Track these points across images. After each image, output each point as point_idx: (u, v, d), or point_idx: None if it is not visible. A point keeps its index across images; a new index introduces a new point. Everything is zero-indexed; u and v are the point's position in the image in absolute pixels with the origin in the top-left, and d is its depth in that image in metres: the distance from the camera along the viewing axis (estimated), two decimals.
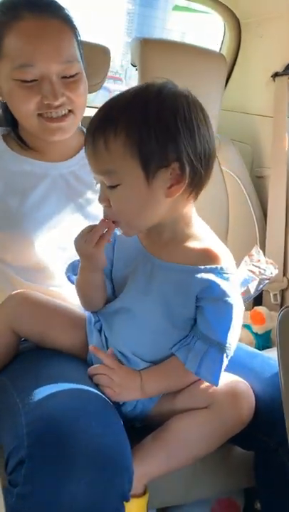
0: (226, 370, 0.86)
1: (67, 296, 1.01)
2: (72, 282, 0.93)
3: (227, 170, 1.54)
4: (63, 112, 0.99)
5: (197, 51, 1.51)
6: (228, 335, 0.79)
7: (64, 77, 0.97)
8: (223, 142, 1.57)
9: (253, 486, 1.00)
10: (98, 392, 0.80)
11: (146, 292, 0.82)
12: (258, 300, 1.47)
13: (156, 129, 0.72)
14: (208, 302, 0.79)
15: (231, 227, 1.55)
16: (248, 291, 1.01)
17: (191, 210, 0.82)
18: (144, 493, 0.85)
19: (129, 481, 0.72)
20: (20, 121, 1.03)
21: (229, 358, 0.81)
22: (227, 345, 0.79)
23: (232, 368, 0.89)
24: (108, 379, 0.83)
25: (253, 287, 1.01)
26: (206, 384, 0.86)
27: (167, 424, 0.86)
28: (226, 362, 0.81)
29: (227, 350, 0.79)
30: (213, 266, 0.79)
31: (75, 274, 0.90)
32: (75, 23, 1.00)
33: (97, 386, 0.82)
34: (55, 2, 0.99)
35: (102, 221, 0.80)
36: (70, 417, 0.70)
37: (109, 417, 0.74)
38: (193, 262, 0.79)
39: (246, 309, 1.22)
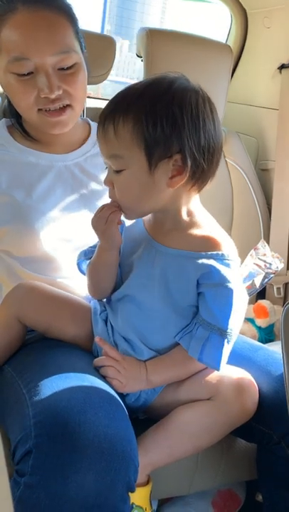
0: (229, 363, 0.87)
1: (74, 287, 1.01)
2: (81, 270, 0.95)
3: (232, 162, 1.54)
4: (61, 105, 0.98)
5: (203, 42, 1.50)
6: (229, 320, 0.80)
7: (61, 69, 0.96)
8: (229, 134, 1.56)
9: (254, 479, 1.01)
10: (104, 383, 0.80)
11: (149, 278, 0.84)
12: (261, 293, 1.47)
13: (162, 121, 0.75)
14: (209, 288, 0.80)
15: (235, 219, 1.55)
16: (253, 285, 1.01)
17: (195, 201, 0.84)
18: (148, 482, 0.87)
19: (135, 472, 0.72)
20: (22, 114, 1.03)
21: (232, 343, 0.82)
22: (228, 330, 0.80)
23: (236, 361, 0.89)
24: (115, 370, 0.84)
25: (258, 281, 1.01)
26: (209, 375, 0.87)
27: (171, 415, 0.86)
28: (228, 347, 0.81)
29: (228, 336, 0.80)
30: (214, 252, 0.80)
31: (88, 259, 0.93)
32: (73, 12, 0.99)
33: (102, 377, 0.83)
34: None
35: (112, 201, 0.83)
36: (76, 408, 0.70)
37: (116, 408, 0.75)
38: (194, 248, 0.81)
39: (249, 303, 1.22)
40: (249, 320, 1.34)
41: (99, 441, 0.68)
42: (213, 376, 0.86)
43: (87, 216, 1.05)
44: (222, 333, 0.80)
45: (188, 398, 0.87)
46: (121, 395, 0.85)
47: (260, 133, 1.67)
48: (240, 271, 0.82)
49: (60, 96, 0.96)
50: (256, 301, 1.40)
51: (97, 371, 0.84)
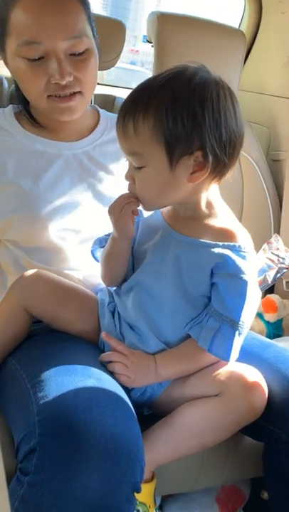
0: (238, 360, 0.85)
1: (81, 278, 1.00)
2: (94, 257, 0.95)
3: (243, 152, 1.48)
4: (71, 92, 0.96)
5: (215, 27, 1.46)
6: (242, 312, 0.79)
7: (72, 55, 0.94)
8: None
9: (260, 476, 0.99)
10: (111, 379, 0.79)
11: (163, 264, 0.84)
12: (269, 288, 1.45)
13: (183, 118, 0.74)
14: (223, 278, 0.79)
15: (245, 210, 1.52)
16: (265, 280, 0.99)
17: (214, 192, 0.84)
18: (152, 479, 0.85)
19: (141, 472, 0.71)
20: (30, 100, 1.01)
21: (243, 336, 0.81)
22: (240, 322, 0.79)
23: (245, 359, 0.88)
24: (123, 366, 0.83)
25: (270, 276, 0.99)
26: (217, 372, 0.85)
27: (176, 412, 0.85)
28: (239, 340, 0.81)
29: (240, 328, 0.80)
30: (231, 243, 0.80)
31: (101, 247, 0.93)
32: None
33: (109, 372, 0.81)
34: None
35: (130, 192, 0.83)
36: (82, 406, 0.69)
37: (122, 407, 0.73)
38: (211, 238, 0.81)
39: None
40: (257, 314, 1.32)
41: (105, 441, 0.66)
42: (221, 373, 0.84)
43: (95, 206, 1.03)
44: (233, 325, 0.79)
45: (195, 394, 0.85)
46: (126, 389, 0.83)
47: (272, 122, 1.63)
48: (255, 264, 0.81)
49: (70, 83, 0.94)
50: (265, 296, 1.38)
51: (103, 366, 0.83)
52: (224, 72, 1.42)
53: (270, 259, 1.00)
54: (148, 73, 3.31)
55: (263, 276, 0.99)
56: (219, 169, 0.78)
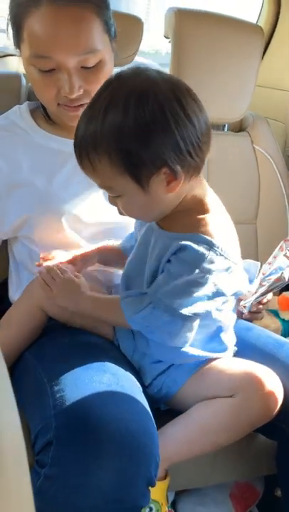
0: (253, 360, 0.85)
1: (96, 274, 1.01)
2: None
3: (259, 149, 1.49)
4: (81, 103, 0.95)
5: (234, 23, 1.44)
6: (163, 289, 0.77)
7: (84, 67, 0.92)
8: (257, 120, 1.52)
9: (274, 473, 0.99)
10: (127, 375, 0.79)
11: (142, 260, 0.84)
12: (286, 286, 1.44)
13: (134, 146, 0.71)
14: (174, 258, 0.78)
15: (262, 207, 1.50)
16: (282, 278, 0.98)
17: (198, 184, 0.80)
18: (165, 477, 0.86)
19: (156, 467, 0.71)
20: (42, 103, 1.01)
21: (162, 315, 0.78)
22: (156, 295, 0.78)
23: (260, 358, 0.88)
24: (51, 279, 0.88)
25: (287, 274, 0.98)
26: (232, 371, 0.85)
27: (191, 411, 0.85)
28: (154, 314, 0.78)
29: (154, 302, 0.78)
30: (193, 234, 0.78)
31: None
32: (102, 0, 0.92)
33: (125, 368, 0.81)
34: None
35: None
36: (98, 400, 0.70)
37: (137, 402, 0.74)
38: (181, 230, 0.79)
39: (274, 294, 1.19)
40: (273, 312, 1.32)
41: (120, 436, 0.67)
42: (237, 374, 0.84)
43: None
44: (151, 296, 0.79)
45: (209, 394, 0.85)
46: (143, 385, 0.84)
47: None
48: (226, 260, 0.78)
49: (80, 96, 0.93)
50: (280, 293, 1.37)
51: (118, 362, 0.83)
52: (242, 68, 1.43)
53: (287, 257, 0.99)
54: (156, 65, 3.24)
55: (279, 274, 0.98)
56: (193, 170, 0.76)
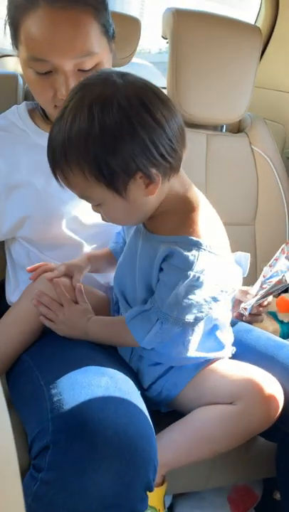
0: (253, 363, 0.85)
1: (94, 276, 1.00)
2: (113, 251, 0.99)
3: (258, 150, 1.49)
4: None
5: (232, 23, 1.44)
6: (167, 302, 0.77)
7: (81, 70, 0.91)
8: (255, 121, 1.51)
9: (273, 476, 0.99)
10: (125, 377, 0.79)
11: (132, 262, 0.84)
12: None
13: (103, 154, 0.70)
14: (166, 265, 0.77)
15: (260, 208, 1.50)
16: (283, 280, 0.98)
17: (178, 180, 0.79)
18: (162, 483, 0.85)
19: (154, 471, 0.71)
20: (39, 104, 1.01)
21: (172, 328, 0.79)
22: (164, 312, 0.78)
23: (259, 360, 0.87)
24: (53, 314, 0.87)
25: (288, 277, 0.97)
26: (234, 377, 0.84)
27: (190, 417, 0.85)
28: (163, 330, 0.79)
29: (163, 318, 0.78)
30: (180, 236, 0.77)
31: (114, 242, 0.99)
32: (101, 1, 0.91)
33: (123, 371, 0.81)
34: None
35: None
36: (96, 404, 0.69)
37: (136, 405, 0.73)
38: (168, 232, 0.79)
39: (273, 296, 1.19)
40: (271, 314, 1.31)
41: (118, 440, 0.66)
42: (238, 380, 0.84)
43: None
44: (158, 312, 0.78)
45: (210, 398, 0.85)
46: (141, 388, 0.83)
47: (287, 119, 1.61)
48: (226, 261, 0.79)
49: None
50: (279, 295, 1.37)
51: (116, 365, 0.82)
52: (240, 69, 1.42)
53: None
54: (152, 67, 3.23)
55: (280, 277, 0.97)
56: (170, 170, 0.75)
